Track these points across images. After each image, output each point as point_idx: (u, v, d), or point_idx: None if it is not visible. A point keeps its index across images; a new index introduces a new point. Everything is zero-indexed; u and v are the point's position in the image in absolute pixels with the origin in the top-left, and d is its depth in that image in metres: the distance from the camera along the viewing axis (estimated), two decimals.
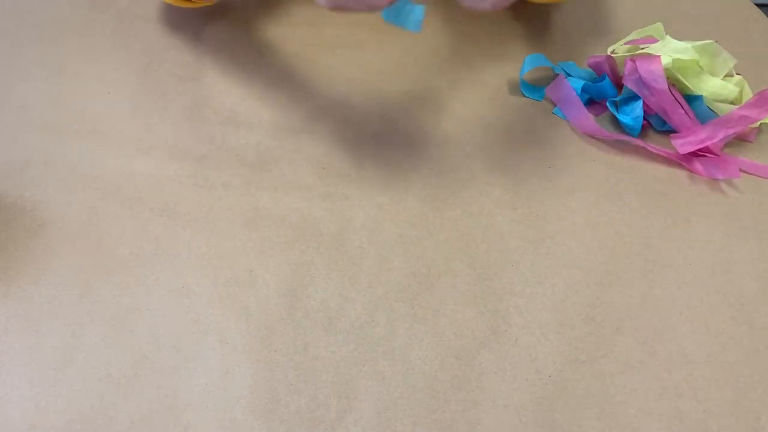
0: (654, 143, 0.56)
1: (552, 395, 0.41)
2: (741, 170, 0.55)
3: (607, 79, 0.60)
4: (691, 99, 0.58)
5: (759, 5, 0.77)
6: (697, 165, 0.55)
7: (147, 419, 0.39)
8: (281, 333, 0.43)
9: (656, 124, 0.59)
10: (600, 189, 0.53)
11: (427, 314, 0.44)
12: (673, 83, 0.58)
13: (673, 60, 0.56)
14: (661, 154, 0.56)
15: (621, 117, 0.58)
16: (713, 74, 0.59)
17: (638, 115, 0.57)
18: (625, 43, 0.62)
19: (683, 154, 0.55)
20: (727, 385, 0.42)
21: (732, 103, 0.59)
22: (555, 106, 0.61)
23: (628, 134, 0.58)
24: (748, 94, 0.59)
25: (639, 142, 0.56)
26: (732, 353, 0.43)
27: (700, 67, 0.58)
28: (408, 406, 0.40)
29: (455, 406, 0.40)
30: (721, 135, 0.55)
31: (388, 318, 0.44)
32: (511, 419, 0.39)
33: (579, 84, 0.60)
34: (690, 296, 0.46)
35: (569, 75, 0.61)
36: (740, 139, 0.58)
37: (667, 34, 0.59)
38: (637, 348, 0.43)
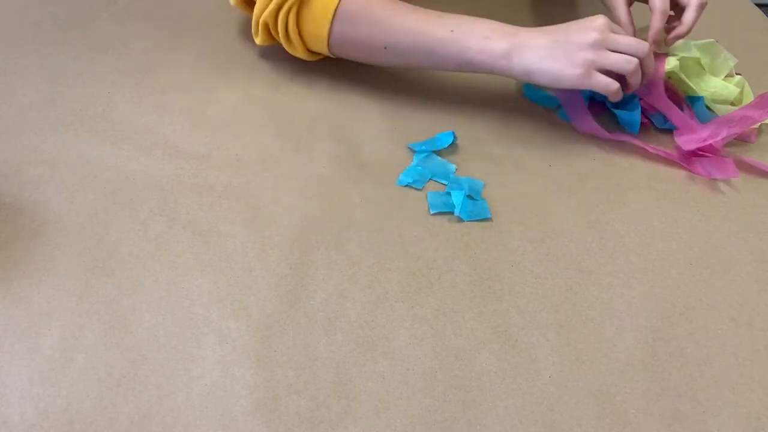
0: (654, 143, 0.56)
1: (552, 395, 0.41)
2: (741, 170, 0.55)
3: None
4: (693, 100, 0.58)
5: (759, 5, 0.77)
6: (697, 165, 0.55)
7: (147, 419, 0.39)
8: (281, 333, 0.43)
9: (657, 122, 0.59)
10: (600, 189, 0.53)
11: (427, 314, 0.44)
12: (677, 83, 0.58)
13: (679, 60, 0.56)
14: (661, 154, 0.56)
15: (619, 113, 0.58)
16: (714, 74, 0.59)
17: (635, 110, 0.57)
18: None
19: (683, 155, 0.55)
20: (727, 385, 0.42)
21: (732, 103, 0.59)
22: (558, 106, 0.61)
23: (629, 133, 0.58)
24: (749, 95, 0.59)
25: (639, 142, 0.56)
26: (732, 353, 0.43)
27: (701, 66, 0.58)
28: (407, 406, 0.40)
29: (455, 406, 0.40)
30: (723, 134, 0.55)
31: (388, 318, 0.44)
32: (511, 419, 0.39)
33: None
34: (690, 296, 0.46)
35: None
36: (741, 140, 0.58)
37: None
38: (638, 348, 0.43)
